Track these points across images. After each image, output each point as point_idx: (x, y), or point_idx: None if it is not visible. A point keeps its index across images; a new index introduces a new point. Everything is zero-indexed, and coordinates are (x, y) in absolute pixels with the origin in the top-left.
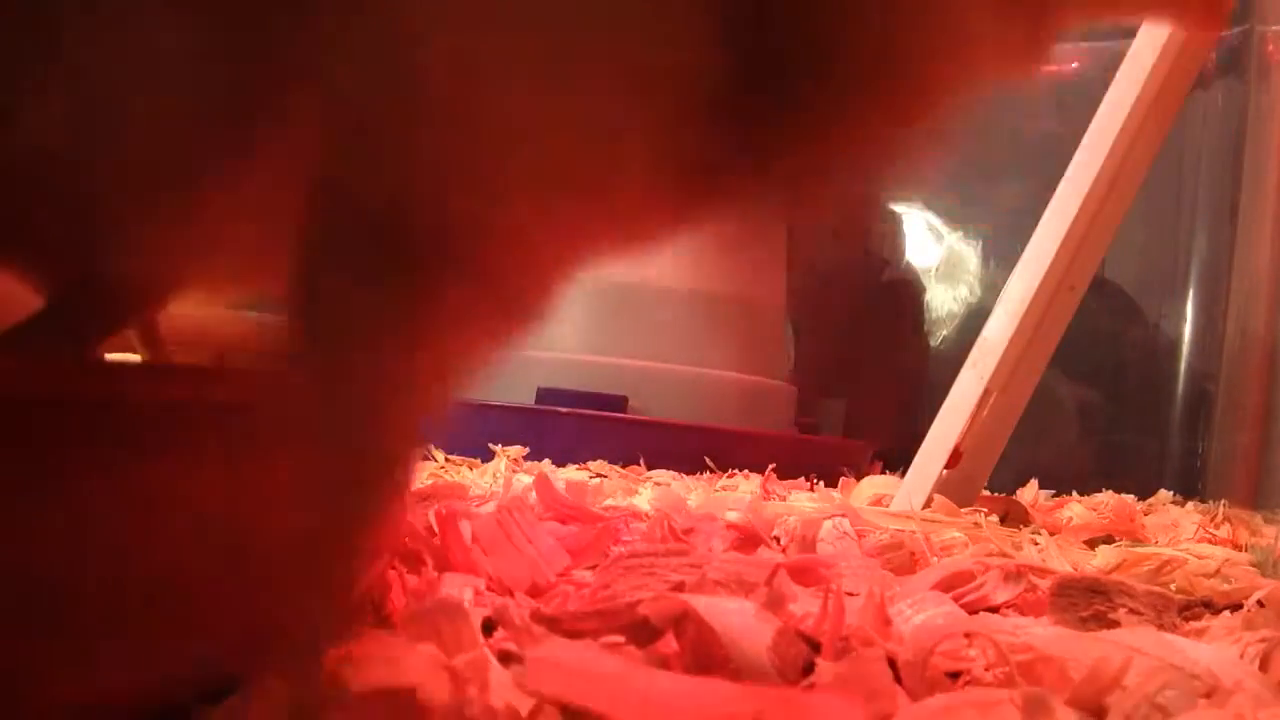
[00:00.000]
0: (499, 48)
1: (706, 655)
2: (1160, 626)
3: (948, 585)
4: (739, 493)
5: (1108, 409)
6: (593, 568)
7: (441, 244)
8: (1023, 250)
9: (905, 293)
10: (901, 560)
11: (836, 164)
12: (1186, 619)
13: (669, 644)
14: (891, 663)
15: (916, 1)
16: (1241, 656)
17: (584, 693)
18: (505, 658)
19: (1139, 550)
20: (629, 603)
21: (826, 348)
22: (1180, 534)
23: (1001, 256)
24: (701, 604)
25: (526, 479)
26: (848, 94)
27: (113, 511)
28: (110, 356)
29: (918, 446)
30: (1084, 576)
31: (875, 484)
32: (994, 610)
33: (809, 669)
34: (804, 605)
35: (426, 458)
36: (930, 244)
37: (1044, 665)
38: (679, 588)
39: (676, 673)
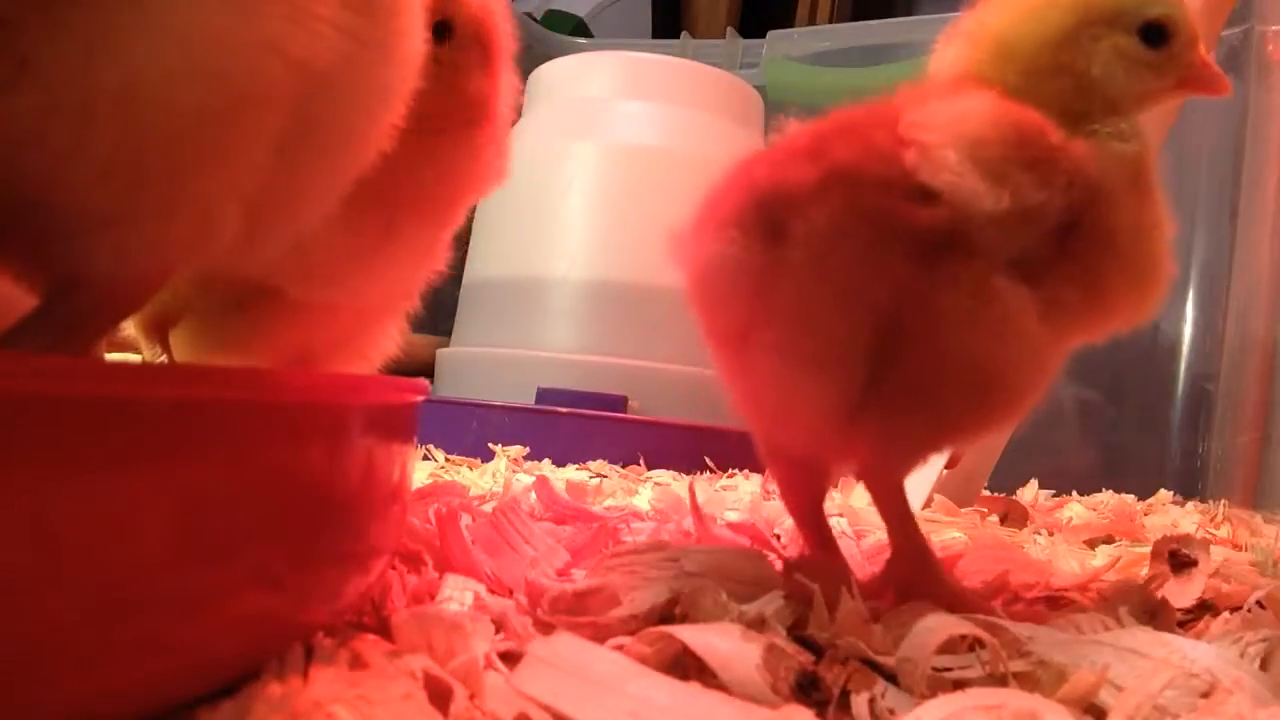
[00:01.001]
0: None
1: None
2: (1158, 627)
3: None
4: (739, 493)
5: (1108, 409)
6: (590, 566)
7: None
8: None
9: None
10: None
11: None
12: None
13: (664, 649)
14: (889, 665)
15: None
16: (1241, 656)
17: (574, 700)
18: (505, 658)
19: (1139, 550)
20: (620, 616)
21: None
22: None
23: None
24: (687, 633)
25: (526, 479)
26: None
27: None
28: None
29: None
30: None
31: None
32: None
33: (807, 682)
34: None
35: (426, 457)
36: None
37: (1043, 668)
38: (672, 596)
39: (672, 677)
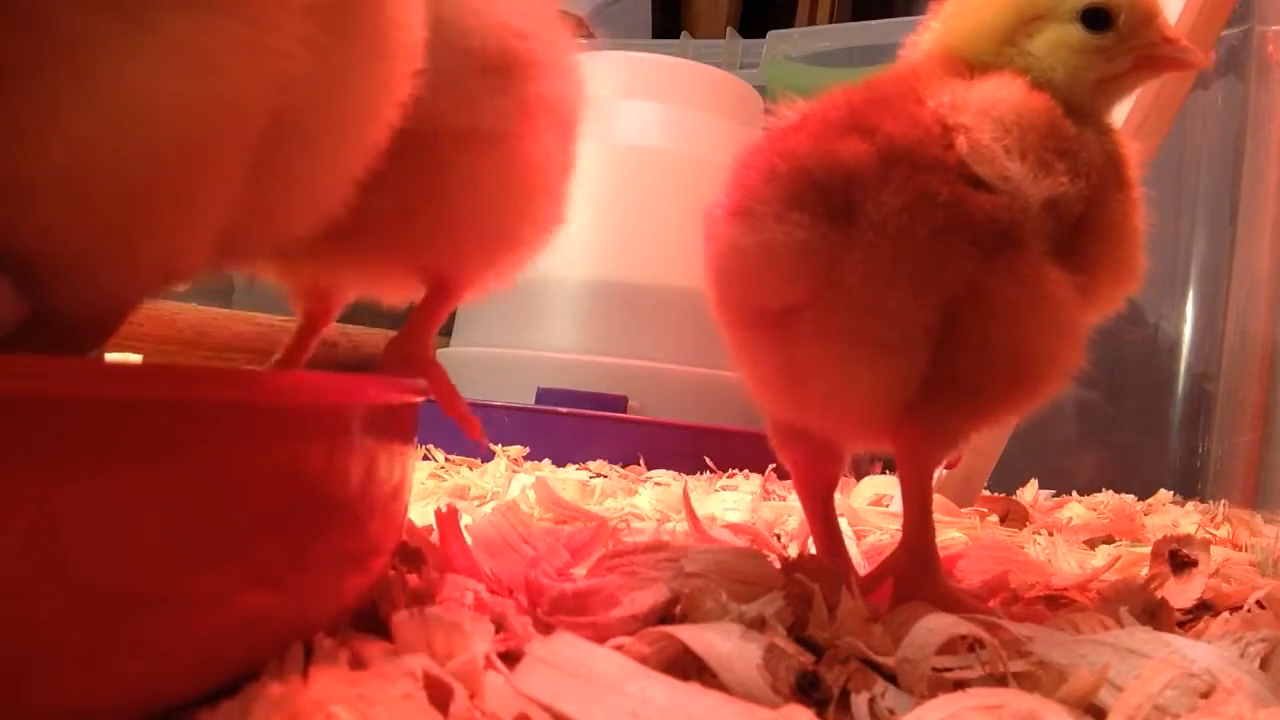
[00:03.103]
0: None
1: (699, 660)
2: (1158, 627)
3: None
4: (739, 493)
5: (1108, 409)
6: (590, 566)
7: None
8: None
9: None
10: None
11: None
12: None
13: (664, 649)
14: (889, 665)
15: None
16: (1242, 656)
17: (574, 700)
18: (505, 658)
19: (1139, 550)
20: (620, 616)
21: None
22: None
23: None
24: (687, 633)
25: (526, 479)
26: None
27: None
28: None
29: None
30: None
31: (875, 484)
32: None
33: (807, 682)
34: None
35: (426, 457)
36: None
37: (1043, 668)
38: (672, 596)
39: (672, 677)
